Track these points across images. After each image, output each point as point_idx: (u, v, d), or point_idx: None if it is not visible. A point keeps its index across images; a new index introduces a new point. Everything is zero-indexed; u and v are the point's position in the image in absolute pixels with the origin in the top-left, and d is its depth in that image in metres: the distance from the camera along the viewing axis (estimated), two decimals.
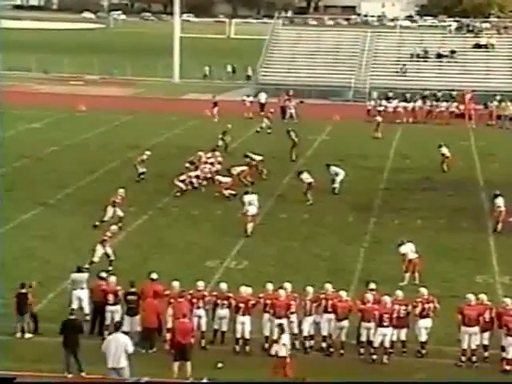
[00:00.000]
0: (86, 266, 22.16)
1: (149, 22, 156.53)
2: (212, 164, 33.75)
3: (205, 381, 16.81)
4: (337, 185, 32.84)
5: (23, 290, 19.23)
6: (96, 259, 23.34)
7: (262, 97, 52.37)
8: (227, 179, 31.90)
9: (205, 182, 32.68)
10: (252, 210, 27.27)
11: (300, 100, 55.04)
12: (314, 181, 31.23)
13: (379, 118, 45.89)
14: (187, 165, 33.03)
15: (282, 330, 17.81)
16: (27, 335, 19.11)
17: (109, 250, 23.58)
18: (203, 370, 17.43)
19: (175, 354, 17.50)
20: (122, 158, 36.05)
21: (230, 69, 71.59)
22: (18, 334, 19.14)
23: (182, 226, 28.31)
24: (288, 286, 19.20)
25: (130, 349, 16.83)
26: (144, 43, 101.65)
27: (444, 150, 37.13)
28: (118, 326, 17.44)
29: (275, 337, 18.68)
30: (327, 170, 33.26)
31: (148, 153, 34.32)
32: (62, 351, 17.53)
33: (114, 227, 24.69)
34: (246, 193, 28.37)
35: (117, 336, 17.01)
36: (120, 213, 27.53)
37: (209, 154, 34.46)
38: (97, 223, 27.14)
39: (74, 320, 17.84)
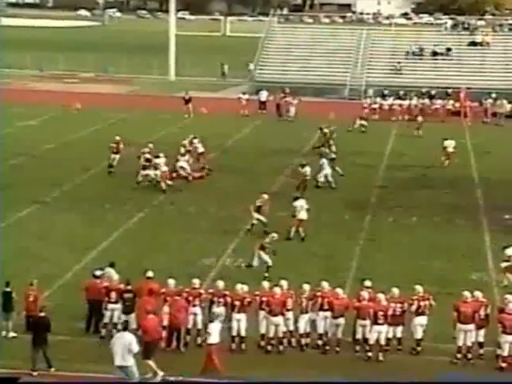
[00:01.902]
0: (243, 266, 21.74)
1: (144, 19, 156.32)
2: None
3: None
4: (321, 178, 33.07)
5: (8, 289, 19.24)
6: (255, 263, 23.22)
7: (263, 95, 52.34)
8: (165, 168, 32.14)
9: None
10: (303, 215, 26.81)
11: (298, 98, 55.00)
12: (309, 178, 31.44)
13: (420, 118, 45.67)
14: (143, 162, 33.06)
15: (210, 319, 17.95)
16: (11, 334, 19.09)
17: (265, 257, 23.30)
18: (198, 367, 17.45)
19: (145, 352, 17.30)
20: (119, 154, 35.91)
21: (226, 68, 71.45)
22: (4, 333, 19.14)
23: (177, 224, 28.31)
24: (284, 283, 19.21)
25: (135, 348, 16.80)
26: (139, 41, 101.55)
27: (447, 143, 37.28)
28: (125, 325, 17.44)
29: (271, 334, 18.73)
30: (319, 159, 33.66)
31: (151, 145, 34.33)
32: (30, 348, 17.54)
33: (274, 234, 24.11)
34: (297, 198, 27.78)
35: (123, 334, 17.02)
36: (263, 218, 27.13)
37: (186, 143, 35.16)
38: (248, 228, 26.99)
39: (42, 317, 17.87)
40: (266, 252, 23.31)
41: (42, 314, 17.96)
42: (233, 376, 17.32)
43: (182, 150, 34.47)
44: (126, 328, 17.31)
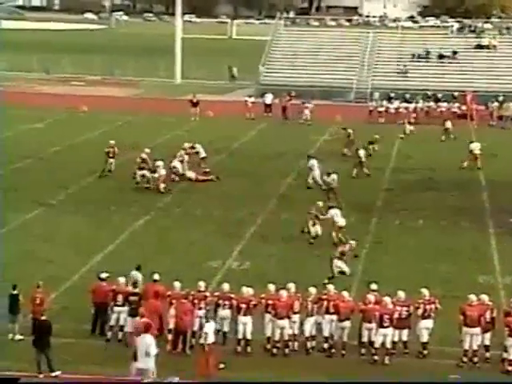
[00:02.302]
0: (325, 281, 21.30)
1: (151, 22, 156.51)
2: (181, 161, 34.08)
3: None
4: (310, 180, 33.12)
5: (15, 292, 19.26)
6: (336, 273, 23.13)
7: (268, 98, 52.30)
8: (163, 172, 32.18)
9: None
10: (342, 221, 26.46)
11: (302, 101, 55.06)
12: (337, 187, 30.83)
13: (449, 124, 45.54)
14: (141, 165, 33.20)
15: (206, 319, 17.99)
16: (17, 337, 19.11)
17: (343, 266, 23.30)
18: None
19: (135, 355, 17.29)
20: (123, 158, 36.01)
21: (236, 70, 71.39)
22: (10, 336, 19.15)
23: (183, 226, 28.31)
24: (292, 286, 19.19)
25: (153, 351, 16.82)
26: (146, 44, 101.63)
27: (473, 146, 37.27)
28: (146, 328, 17.43)
29: (277, 337, 18.71)
30: (307, 161, 33.59)
31: (147, 150, 34.36)
32: (33, 351, 17.56)
33: (352, 242, 24.22)
34: (331, 207, 27.35)
35: (144, 337, 17.06)
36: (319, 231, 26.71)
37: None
38: (311, 241, 26.48)
39: (44, 321, 17.86)
40: (344, 260, 23.19)
41: (44, 318, 17.97)
42: (238, 379, 17.34)
43: (182, 152, 34.50)
44: (147, 330, 17.31)
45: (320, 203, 27.32)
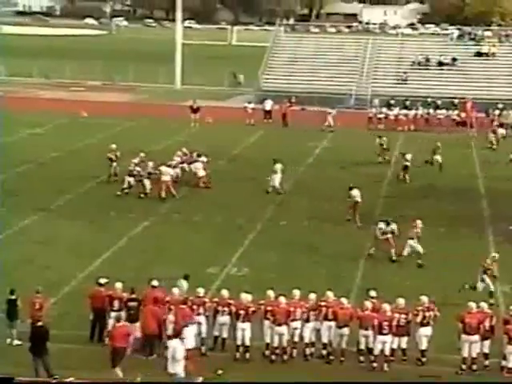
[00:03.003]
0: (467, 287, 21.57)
1: (151, 28, 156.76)
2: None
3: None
4: (276, 184, 33.12)
5: (13, 297, 19.25)
6: (480, 287, 22.77)
7: (268, 104, 52.32)
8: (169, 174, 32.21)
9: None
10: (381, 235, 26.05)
11: (301, 107, 55.16)
12: (361, 201, 30.11)
13: (502, 131, 45.76)
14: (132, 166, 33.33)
15: (185, 325, 17.96)
16: (15, 342, 19.10)
17: (488, 281, 22.78)
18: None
19: (112, 359, 17.39)
20: (123, 163, 36.00)
21: (242, 77, 71.34)
22: (8, 340, 19.14)
23: (182, 233, 28.31)
24: (297, 292, 19.17)
25: (179, 356, 16.85)
26: (146, 49, 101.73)
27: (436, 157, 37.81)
28: (176, 334, 17.48)
29: (276, 344, 18.71)
30: (273, 164, 33.60)
31: (142, 154, 34.37)
32: (31, 357, 17.57)
33: (494, 254, 23.79)
34: (382, 221, 26.52)
35: (171, 342, 17.14)
36: (419, 247, 25.77)
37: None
38: (394, 258, 25.85)
39: (40, 327, 17.86)
40: (489, 275, 22.98)
41: (40, 324, 17.96)
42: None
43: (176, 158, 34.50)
44: (176, 335, 17.33)
45: (419, 221, 26.03)
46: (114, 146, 35.47)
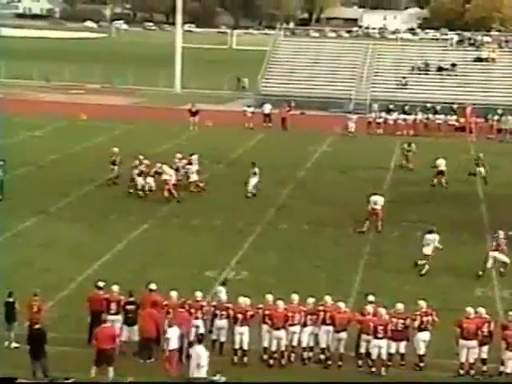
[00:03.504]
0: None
1: (151, 31, 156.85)
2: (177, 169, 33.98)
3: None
4: (250, 187, 33.14)
5: (11, 299, 19.25)
6: (489, 265, 23.78)
7: (267, 108, 52.33)
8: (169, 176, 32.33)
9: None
10: (426, 250, 25.47)
11: (301, 111, 55.20)
12: (381, 209, 29.64)
13: None
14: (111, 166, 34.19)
15: (169, 325, 18.01)
16: (13, 344, 19.09)
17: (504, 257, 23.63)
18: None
19: (96, 359, 17.50)
20: (122, 166, 36.04)
21: (246, 81, 71.27)
22: (6, 343, 19.13)
23: (181, 236, 28.31)
24: (295, 297, 19.16)
25: (203, 361, 16.86)
26: (146, 53, 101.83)
27: (439, 162, 37.32)
28: (200, 338, 17.44)
29: (273, 348, 18.70)
30: (251, 167, 33.67)
31: (141, 157, 34.38)
32: (29, 359, 17.57)
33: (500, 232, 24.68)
34: (430, 232, 25.89)
35: (195, 347, 17.16)
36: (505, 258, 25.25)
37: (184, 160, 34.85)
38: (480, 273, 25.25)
39: (38, 329, 17.86)
40: (500, 251, 23.08)
41: (38, 326, 17.95)
42: None
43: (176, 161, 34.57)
44: (200, 340, 17.34)
45: (501, 232, 25.49)
46: (116, 149, 35.49)
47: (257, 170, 33.72)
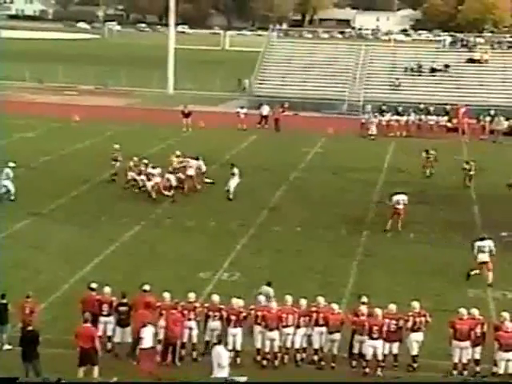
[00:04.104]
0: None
1: (144, 33, 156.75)
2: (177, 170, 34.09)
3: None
4: (231, 188, 33.01)
5: (3, 301, 19.19)
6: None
7: (265, 109, 52.29)
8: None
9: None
10: (483, 257, 24.81)
11: (294, 113, 55.23)
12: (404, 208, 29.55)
13: None
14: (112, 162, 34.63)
15: (143, 325, 18.02)
16: (5, 347, 19.04)
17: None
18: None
19: (80, 359, 17.52)
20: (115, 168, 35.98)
21: (247, 82, 71.21)
22: None
23: (174, 237, 28.28)
24: (289, 298, 19.14)
25: (224, 362, 16.89)
26: (139, 54, 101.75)
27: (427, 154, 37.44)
28: (219, 339, 17.48)
29: (267, 349, 18.69)
30: (230, 168, 33.64)
31: (135, 159, 34.40)
32: (21, 362, 17.54)
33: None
34: (482, 239, 25.12)
35: (216, 348, 17.18)
36: None
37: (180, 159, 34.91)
38: None
39: (31, 331, 17.82)
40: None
41: (30, 328, 17.90)
42: None
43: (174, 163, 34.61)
44: (219, 342, 17.39)
45: None
46: (117, 145, 35.91)
47: (236, 170, 33.59)
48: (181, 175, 33.72)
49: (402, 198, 29.70)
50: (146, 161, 33.88)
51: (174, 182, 32.97)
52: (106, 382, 17.59)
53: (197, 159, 34.90)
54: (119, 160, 35.37)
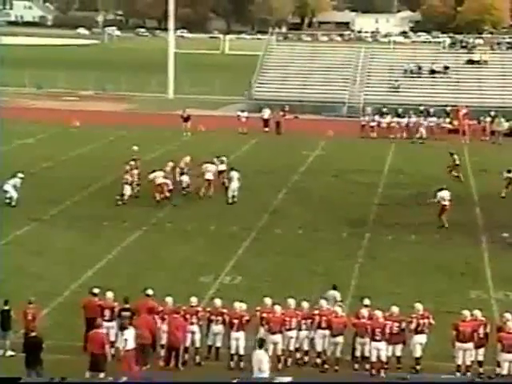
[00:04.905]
0: None
1: (143, 37, 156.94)
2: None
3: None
4: (230, 192, 33.00)
5: (6, 307, 19.16)
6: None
7: (266, 113, 52.29)
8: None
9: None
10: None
11: (294, 116, 55.23)
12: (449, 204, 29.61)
13: None
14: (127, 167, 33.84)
15: (123, 327, 18.11)
16: (8, 353, 19.01)
17: None
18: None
19: (90, 363, 17.55)
20: (115, 173, 36.02)
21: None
22: (1, 352, 19.04)
23: (176, 242, 28.26)
24: (292, 302, 19.10)
25: (264, 367, 16.83)
26: (138, 59, 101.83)
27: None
28: (260, 343, 17.40)
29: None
30: (228, 173, 33.81)
31: (132, 163, 34.30)
32: (24, 368, 17.51)
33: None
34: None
35: (255, 353, 17.13)
36: None
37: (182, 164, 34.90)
38: None
39: (34, 337, 17.78)
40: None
41: (34, 334, 17.88)
42: None
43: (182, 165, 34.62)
44: (261, 346, 17.31)
45: None
46: (135, 147, 36.88)
47: (235, 174, 33.57)
48: (199, 179, 33.79)
49: (446, 193, 29.88)
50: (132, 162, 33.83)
51: (184, 184, 33.54)
52: (110, 381, 17.57)
53: (220, 161, 34.97)
54: (137, 166, 34.36)
